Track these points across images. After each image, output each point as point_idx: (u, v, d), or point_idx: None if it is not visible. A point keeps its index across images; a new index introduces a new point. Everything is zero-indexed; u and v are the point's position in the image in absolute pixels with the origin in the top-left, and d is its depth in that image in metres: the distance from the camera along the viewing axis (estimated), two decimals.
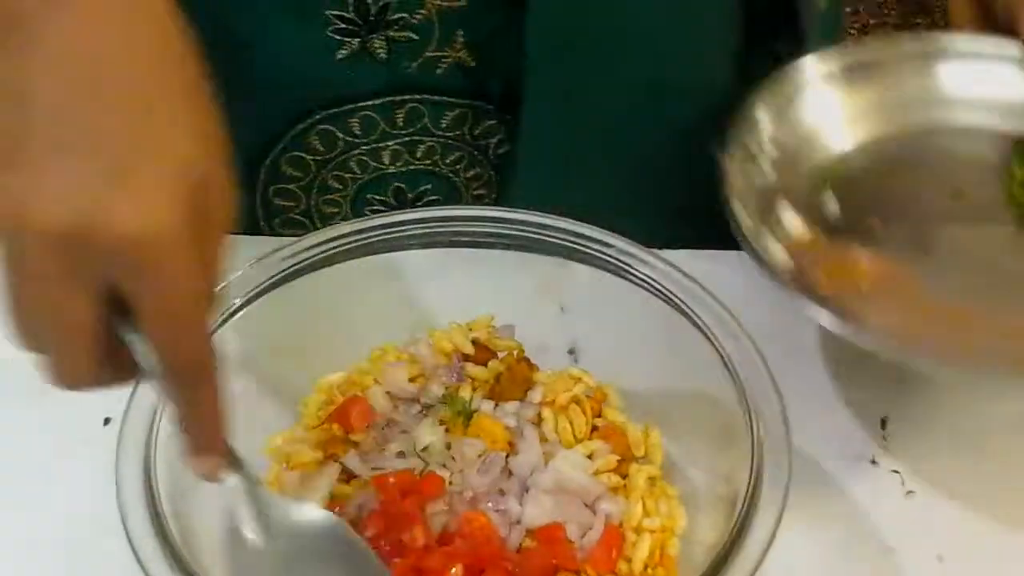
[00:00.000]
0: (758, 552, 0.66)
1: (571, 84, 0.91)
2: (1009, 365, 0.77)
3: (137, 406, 0.71)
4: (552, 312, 0.84)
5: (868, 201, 0.87)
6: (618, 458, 0.76)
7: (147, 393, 0.72)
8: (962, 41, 0.93)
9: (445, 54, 0.88)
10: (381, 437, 0.78)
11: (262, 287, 0.78)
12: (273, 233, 0.98)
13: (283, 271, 0.79)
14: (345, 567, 0.68)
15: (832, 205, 0.86)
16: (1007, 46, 0.92)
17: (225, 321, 0.76)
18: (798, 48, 0.94)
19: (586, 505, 0.74)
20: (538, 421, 0.77)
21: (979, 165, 0.90)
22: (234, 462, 0.65)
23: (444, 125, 0.92)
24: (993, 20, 0.92)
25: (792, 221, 0.83)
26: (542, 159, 0.94)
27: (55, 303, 0.57)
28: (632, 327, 0.80)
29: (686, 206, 0.91)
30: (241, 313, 0.77)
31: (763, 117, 0.87)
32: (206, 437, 0.63)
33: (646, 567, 0.72)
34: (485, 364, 0.80)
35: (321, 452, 0.77)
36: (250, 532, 0.66)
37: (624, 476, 0.76)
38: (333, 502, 0.75)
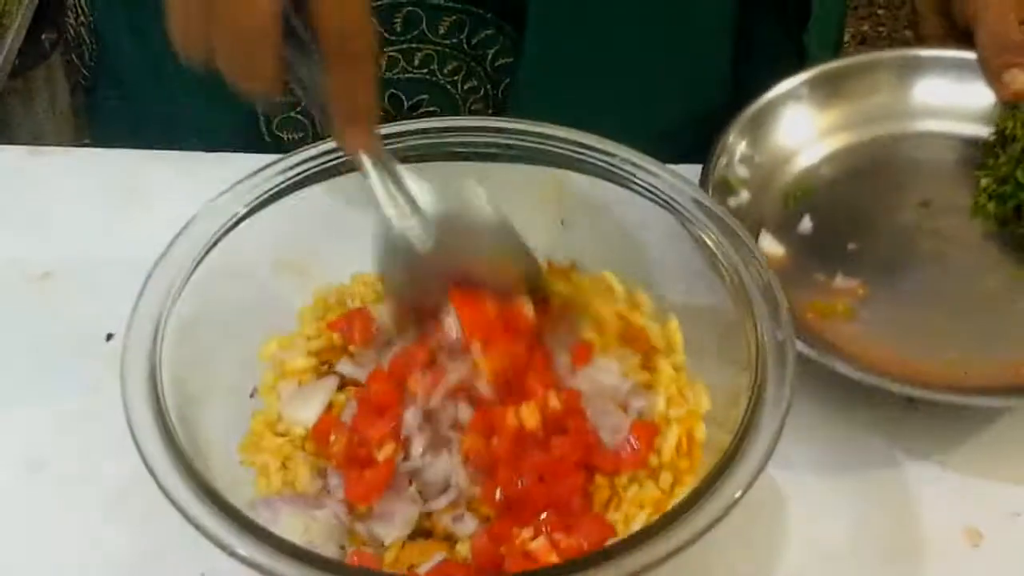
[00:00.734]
0: (762, 454, 0.65)
1: (575, 5, 0.91)
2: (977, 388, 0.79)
3: (140, 318, 0.71)
4: (553, 225, 0.83)
5: (840, 215, 0.89)
6: (640, 360, 0.76)
7: (150, 305, 0.72)
8: (926, 52, 0.97)
9: None
10: (380, 352, 0.77)
11: (262, 199, 0.77)
12: (272, 137, 0.98)
13: (282, 183, 0.78)
14: (486, 239, 0.74)
15: (806, 223, 0.89)
16: (968, 54, 0.95)
17: (225, 233, 0.76)
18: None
19: (619, 406, 0.74)
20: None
21: (946, 172, 0.93)
22: (378, 144, 0.71)
23: (441, 32, 0.91)
24: (956, 27, 0.97)
25: (769, 243, 0.86)
26: (545, 80, 0.94)
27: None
28: (635, 237, 0.80)
29: (686, 127, 0.91)
30: (241, 225, 0.76)
31: (737, 141, 0.89)
32: (361, 107, 0.69)
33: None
34: None
35: (315, 359, 0.77)
36: (393, 213, 0.72)
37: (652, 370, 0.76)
38: (329, 412, 0.75)
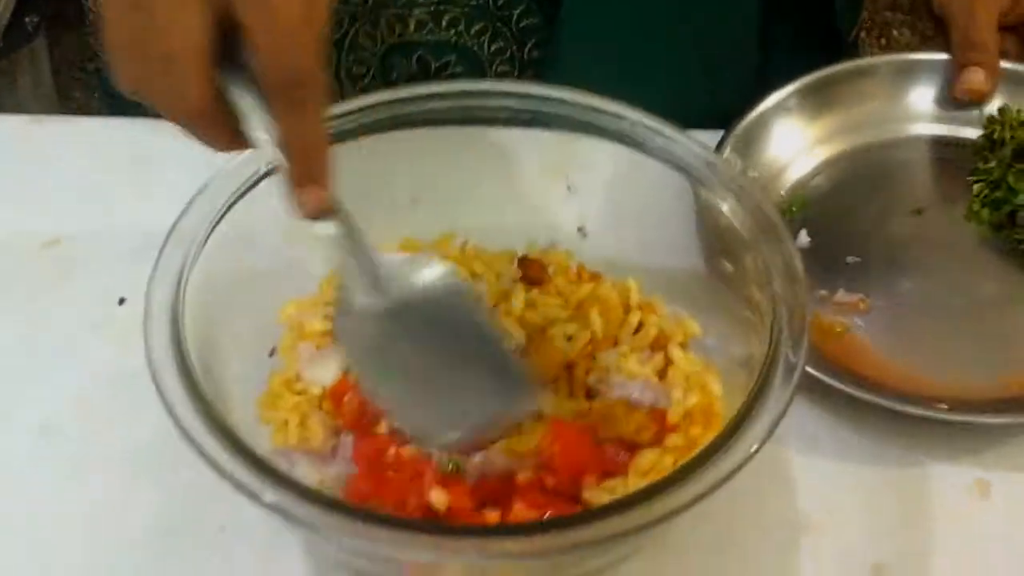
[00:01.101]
0: (774, 416, 0.65)
1: None
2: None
3: (162, 276, 0.70)
4: (560, 191, 0.84)
5: (837, 228, 0.89)
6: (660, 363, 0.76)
7: (170, 265, 0.71)
8: (914, 56, 0.97)
9: None
10: None
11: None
12: None
13: None
14: (458, 328, 0.69)
15: (803, 237, 0.88)
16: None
17: (247, 192, 0.75)
18: None
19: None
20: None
21: (938, 177, 0.93)
22: (337, 206, 0.64)
23: None
24: None
25: None
26: (578, 53, 0.94)
27: (169, 19, 0.57)
28: (646, 201, 0.80)
29: (719, 101, 0.92)
30: (258, 187, 0.75)
31: (730, 157, 0.88)
32: (312, 165, 0.62)
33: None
34: (537, 283, 0.79)
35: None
36: (357, 288, 0.66)
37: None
38: (346, 375, 0.75)
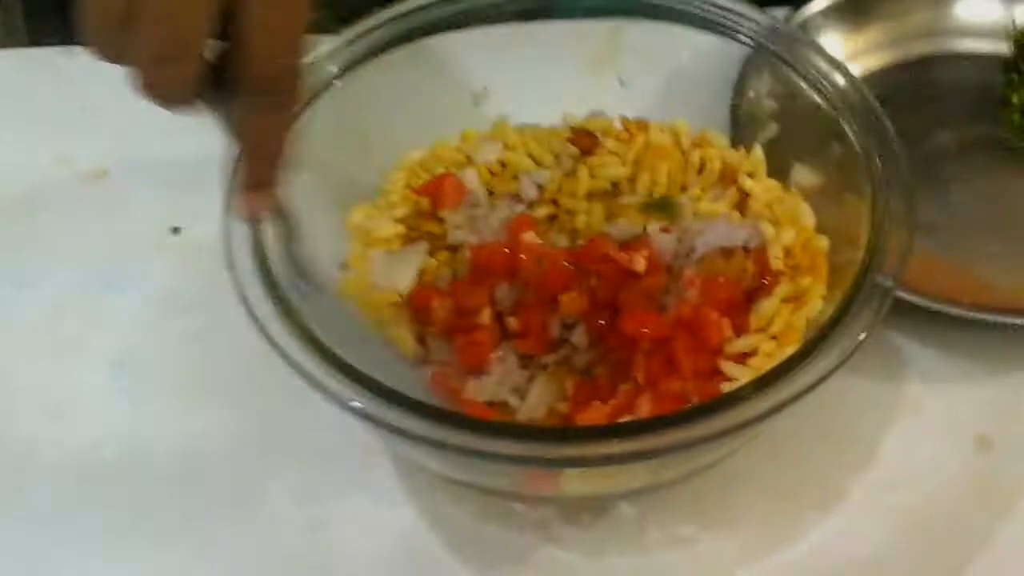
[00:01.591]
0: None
1: None
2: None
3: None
4: (611, 85, 0.82)
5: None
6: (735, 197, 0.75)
7: None
8: None
9: None
10: (470, 216, 0.75)
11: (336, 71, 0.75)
12: None
13: (355, 54, 0.76)
14: None
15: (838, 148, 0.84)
16: None
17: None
18: None
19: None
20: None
21: (980, 92, 0.90)
22: (282, 209, 0.64)
23: None
24: None
25: (804, 174, 0.80)
26: None
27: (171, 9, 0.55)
28: (709, 85, 0.78)
29: None
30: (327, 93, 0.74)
31: (763, 72, 0.84)
32: (266, 171, 0.61)
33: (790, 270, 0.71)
34: (589, 151, 0.78)
35: (404, 227, 0.75)
36: (289, 281, 0.65)
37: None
38: (423, 277, 0.73)
